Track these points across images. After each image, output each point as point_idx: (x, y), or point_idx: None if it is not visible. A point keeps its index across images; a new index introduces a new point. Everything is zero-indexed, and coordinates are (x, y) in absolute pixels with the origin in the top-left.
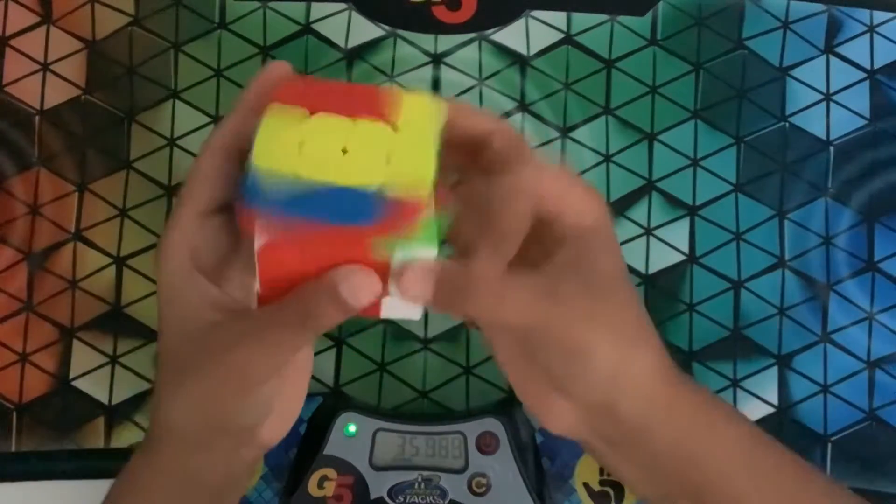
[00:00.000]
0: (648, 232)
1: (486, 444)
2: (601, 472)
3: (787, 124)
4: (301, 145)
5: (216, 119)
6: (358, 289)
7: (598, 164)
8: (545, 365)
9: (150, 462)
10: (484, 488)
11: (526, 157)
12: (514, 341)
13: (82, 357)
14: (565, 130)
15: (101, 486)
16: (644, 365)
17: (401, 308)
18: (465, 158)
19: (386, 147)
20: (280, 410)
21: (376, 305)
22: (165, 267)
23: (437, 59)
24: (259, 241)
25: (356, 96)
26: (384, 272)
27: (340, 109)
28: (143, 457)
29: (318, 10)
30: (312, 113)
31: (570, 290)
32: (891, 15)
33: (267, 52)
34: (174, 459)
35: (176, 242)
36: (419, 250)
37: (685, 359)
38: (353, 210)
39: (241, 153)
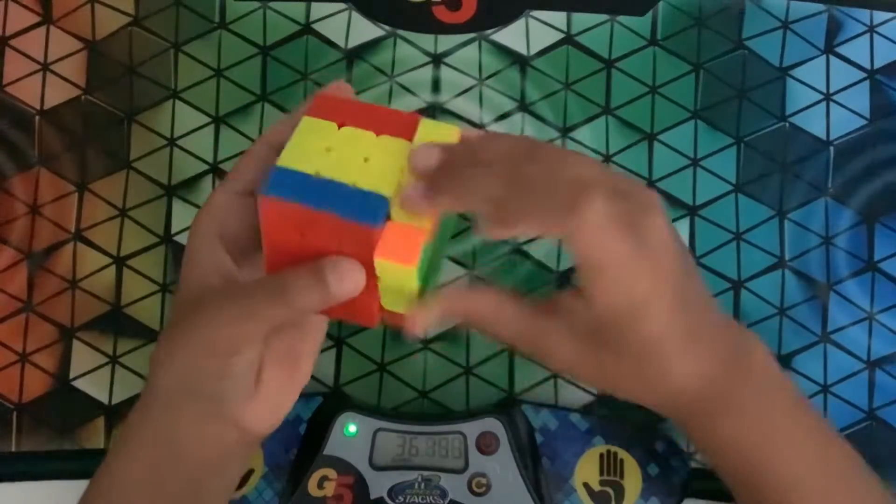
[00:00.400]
0: None
1: (486, 444)
2: (601, 471)
3: (787, 124)
4: (328, 150)
5: (216, 119)
6: (343, 276)
7: None
8: (597, 314)
9: (131, 422)
10: (484, 488)
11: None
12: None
13: (82, 357)
14: (565, 130)
15: None
16: (669, 313)
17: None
18: None
19: (403, 161)
20: (266, 397)
21: (372, 311)
22: (193, 231)
23: (437, 59)
24: (266, 224)
25: (383, 116)
26: (372, 275)
27: (367, 126)
28: (130, 422)
29: (318, 10)
30: (342, 125)
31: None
32: (891, 15)
33: (267, 52)
34: (150, 419)
35: (207, 212)
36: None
37: None
38: (362, 210)
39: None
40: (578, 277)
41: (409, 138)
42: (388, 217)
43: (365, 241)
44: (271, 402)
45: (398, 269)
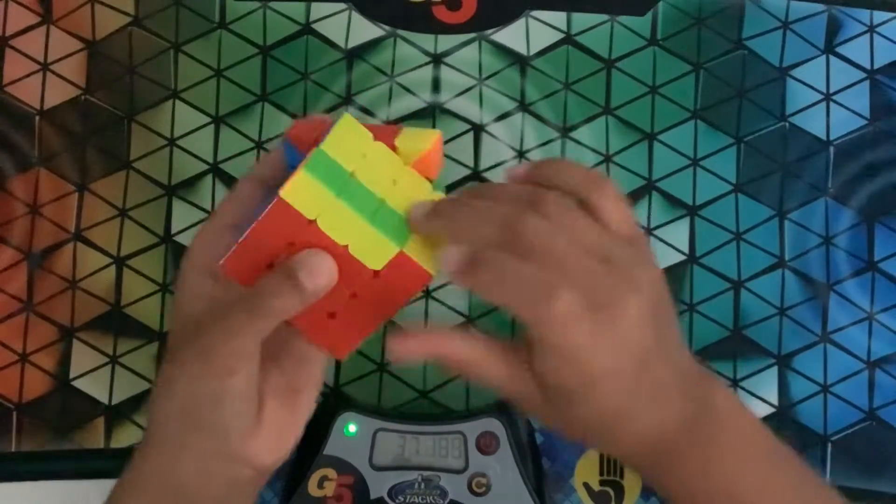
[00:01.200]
0: (648, 232)
1: (486, 444)
2: (601, 471)
3: (787, 124)
4: (363, 156)
5: (216, 119)
6: (314, 270)
7: (598, 164)
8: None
9: (135, 462)
10: (484, 488)
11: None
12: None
13: (82, 357)
14: (565, 130)
15: (101, 486)
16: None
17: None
18: None
19: (425, 198)
20: (269, 431)
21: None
22: (182, 266)
23: (437, 59)
24: (274, 211)
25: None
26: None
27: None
28: (134, 460)
29: (318, 10)
30: (377, 138)
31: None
32: (891, 15)
33: (267, 52)
34: (153, 458)
35: (203, 244)
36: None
37: None
38: (388, 225)
39: (269, 185)
40: (530, 352)
41: (432, 176)
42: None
43: (378, 255)
44: (275, 435)
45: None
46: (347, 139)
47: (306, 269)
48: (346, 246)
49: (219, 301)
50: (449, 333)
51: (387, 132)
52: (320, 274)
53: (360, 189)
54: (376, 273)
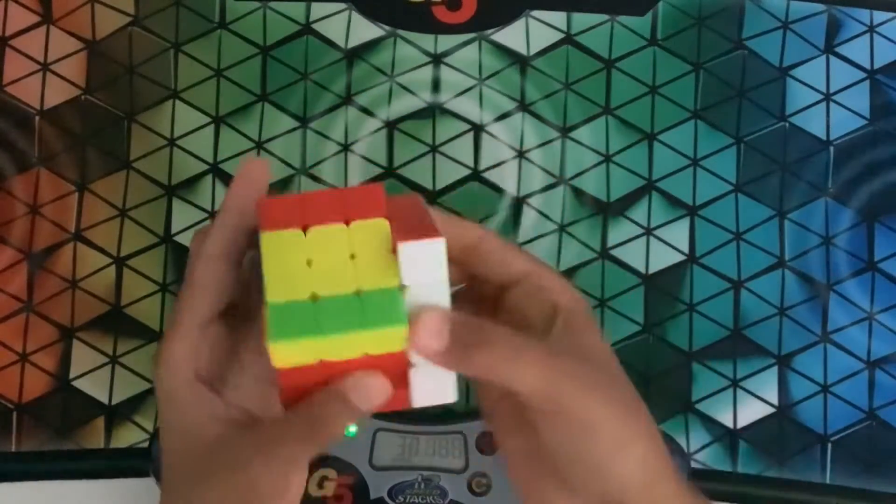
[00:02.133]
0: (648, 232)
1: (486, 444)
2: None
3: (787, 124)
4: (309, 263)
5: (216, 119)
6: (369, 393)
7: (598, 164)
8: (550, 447)
9: None
10: (484, 488)
11: (514, 256)
12: (521, 432)
13: (82, 357)
14: (565, 130)
15: (102, 486)
16: (645, 449)
17: (432, 391)
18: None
19: (388, 241)
20: None
21: (403, 395)
22: (168, 380)
23: (437, 59)
24: (283, 368)
25: (343, 200)
26: (402, 366)
27: (331, 216)
28: None
29: (318, 10)
30: (306, 227)
31: (572, 359)
32: (891, 15)
33: (267, 52)
34: None
35: (177, 354)
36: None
37: (685, 359)
38: (380, 315)
39: (235, 256)
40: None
41: (382, 214)
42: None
43: (394, 341)
44: None
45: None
46: (281, 263)
47: (359, 392)
48: (365, 353)
49: (240, 424)
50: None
51: (364, 198)
52: (375, 396)
53: (332, 304)
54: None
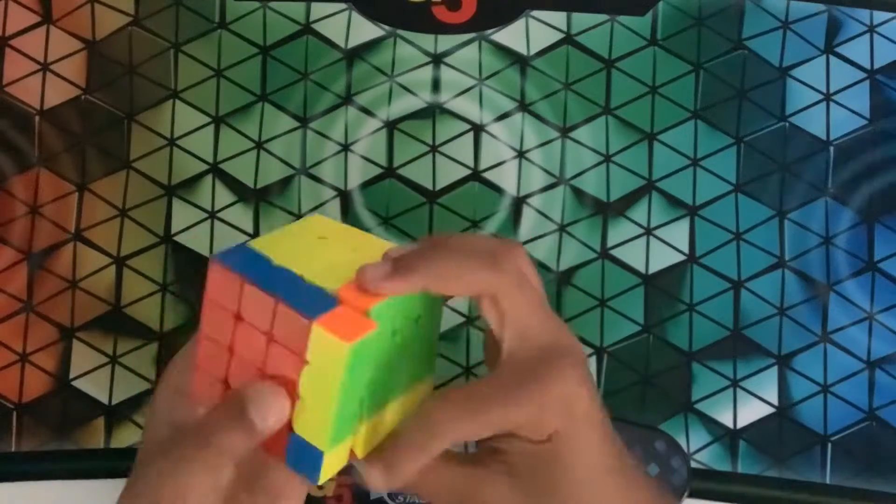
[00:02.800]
0: (648, 232)
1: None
2: None
3: (787, 124)
4: (322, 237)
5: (216, 119)
6: (266, 410)
7: (598, 164)
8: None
9: None
10: None
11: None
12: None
13: (82, 357)
14: (565, 130)
15: (101, 486)
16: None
17: (303, 461)
18: None
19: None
20: None
21: (281, 443)
22: (157, 386)
23: (437, 59)
24: (211, 292)
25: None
26: (294, 392)
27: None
28: None
29: (318, 10)
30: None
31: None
32: (891, 15)
33: (267, 52)
34: None
35: (173, 365)
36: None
37: (685, 359)
38: (310, 301)
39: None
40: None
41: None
42: (330, 306)
43: (300, 335)
44: None
45: (332, 350)
46: (286, 237)
47: (257, 406)
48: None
49: (180, 428)
50: (383, 459)
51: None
52: (271, 412)
53: (282, 272)
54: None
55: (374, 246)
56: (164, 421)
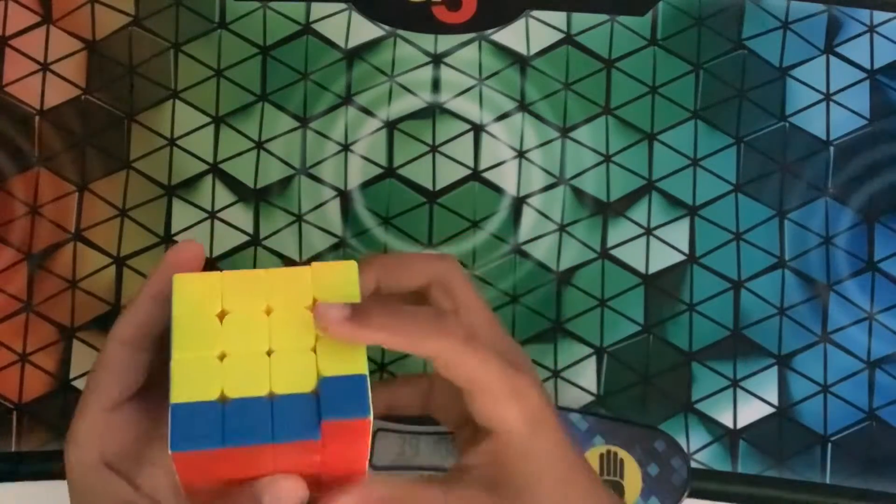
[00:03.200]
0: (648, 232)
1: None
2: (601, 471)
3: (787, 124)
4: (222, 357)
5: (216, 119)
6: (283, 499)
7: (598, 164)
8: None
9: None
10: None
11: (449, 330)
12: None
13: (82, 357)
14: (565, 130)
15: None
16: (524, 403)
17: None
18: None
19: (310, 335)
20: None
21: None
22: (74, 467)
23: (437, 59)
24: (183, 471)
25: (268, 282)
26: (315, 469)
27: (254, 300)
28: None
29: (318, 10)
30: (223, 313)
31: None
32: (891, 15)
33: (267, 52)
34: None
35: (84, 440)
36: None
37: (685, 359)
38: (293, 425)
39: (146, 342)
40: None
41: (308, 300)
42: (318, 423)
43: (306, 451)
44: None
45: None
46: (193, 361)
47: (272, 496)
48: (275, 462)
49: None
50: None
51: (284, 282)
52: (288, 499)
53: (242, 409)
54: (322, 454)
55: (271, 290)
56: (108, 503)
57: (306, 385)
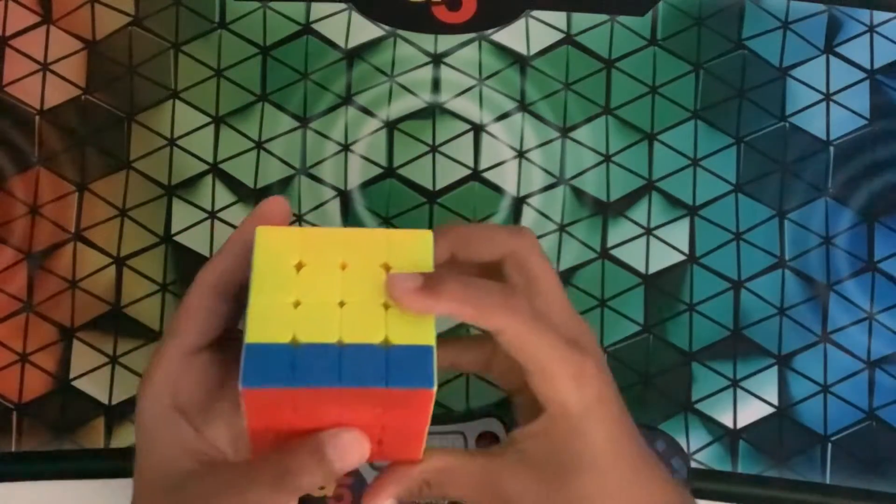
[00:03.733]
0: (648, 232)
1: (485, 444)
2: None
3: (787, 124)
4: (296, 305)
5: (216, 119)
6: (346, 452)
7: (598, 164)
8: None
9: None
10: None
11: (519, 310)
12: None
13: (82, 357)
14: (565, 130)
15: (101, 486)
16: (588, 384)
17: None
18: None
19: (381, 294)
20: None
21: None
22: (146, 408)
23: (437, 59)
24: (252, 412)
25: (345, 241)
26: (376, 432)
27: (331, 256)
28: None
29: (318, 10)
30: (300, 265)
31: (525, 475)
32: (891, 15)
33: (267, 52)
34: None
35: (159, 382)
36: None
37: (685, 359)
38: (359, 371)
39: (230, 290)
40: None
41: (382, 262)
42: (386, 366)
43: (370, 405)
44: None
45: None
46: (269, 307)
47: (335, 448)
48: (341, 408)
49: (213, 463)
50: (401, 470)
51: (364, 243)
52: (351, 453)
53: (313, 353)
54: (383, 419)
55: (347, 248)
56: (182, 452)
57: (375, 337)
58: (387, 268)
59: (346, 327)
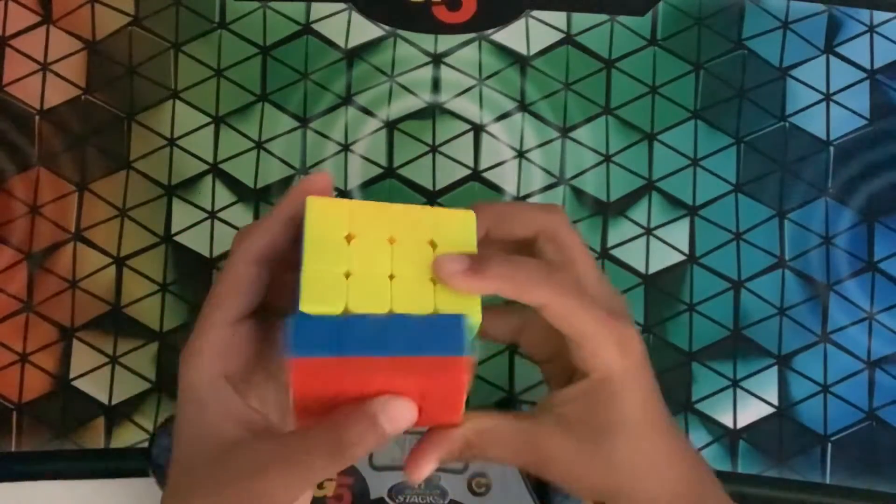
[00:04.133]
0: (648, 232)
1: None
2: None
3: (787, 124)
4: (348, 276)
5: (216, 119)
6: (397, 418)
7: (598, 164)
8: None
9: None
10: (484, 488)
11: (562, 284)
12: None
13: (82, 357)
14: (565, 130)
15: (102, 486)
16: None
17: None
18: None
19: (429, 269)
20: None
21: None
22: (193, 374)
23: (437, 59)
24: (298, 382)
25: (393, 216)
26: (416, 398)
27: (379, 230)
28: None
29: (318, 10)
30: (350, 237)
31: (566, 435)
32: (891, 15)
33: (267, 52)
34: None
35: (205, 351)
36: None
37: (685, 359)
38: (402, 340)
39: (273, 261)
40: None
41: (429, 238)
42: (434, 338)
43: (419, 374)
44: None
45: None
46: (321, 276)
47: (387, 415)
48: (388, 378)
49: (260, 431)
50: (448, 434)
51: (411, 220)
52: (402, 419)
53: (362, 323)
54: (423, 387)
55: (394, 223)
56: (227, 416)
57: (424, 308)
58: (433, 244)
59: (397, 298)
